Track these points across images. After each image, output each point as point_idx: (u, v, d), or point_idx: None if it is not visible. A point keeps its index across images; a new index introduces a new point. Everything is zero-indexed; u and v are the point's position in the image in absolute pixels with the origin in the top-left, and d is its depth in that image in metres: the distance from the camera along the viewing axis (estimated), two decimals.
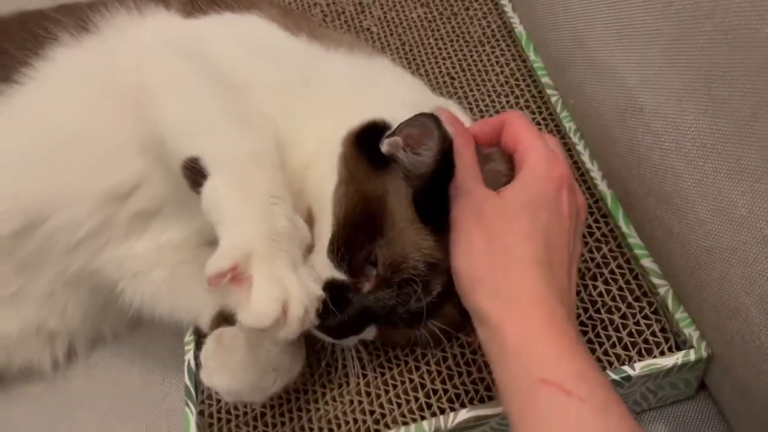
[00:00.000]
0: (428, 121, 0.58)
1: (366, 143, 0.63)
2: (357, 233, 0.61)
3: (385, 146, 0.61)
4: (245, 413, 0.73)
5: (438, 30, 1.00)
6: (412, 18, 1.03)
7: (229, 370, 0.63)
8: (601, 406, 0.46)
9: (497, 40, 0.97)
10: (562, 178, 0.58)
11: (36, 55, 0.72)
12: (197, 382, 0.74)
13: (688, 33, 0.59)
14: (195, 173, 0.57)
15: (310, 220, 0.65)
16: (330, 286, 0.61)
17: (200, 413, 0.73)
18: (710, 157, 0.58)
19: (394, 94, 0.71)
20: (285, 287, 0.51)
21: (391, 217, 0.60)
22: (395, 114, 0.63)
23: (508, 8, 0.98)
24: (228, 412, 0.74)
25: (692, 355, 0.65)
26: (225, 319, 0.69)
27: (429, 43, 0.99)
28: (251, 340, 0.63)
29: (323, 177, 0.64)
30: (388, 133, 0.62)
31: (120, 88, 0.68)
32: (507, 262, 0.53)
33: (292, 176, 0.65)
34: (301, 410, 0.72)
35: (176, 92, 0.64)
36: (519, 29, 0.95)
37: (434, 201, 0.58)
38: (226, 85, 0.65)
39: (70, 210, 0.69)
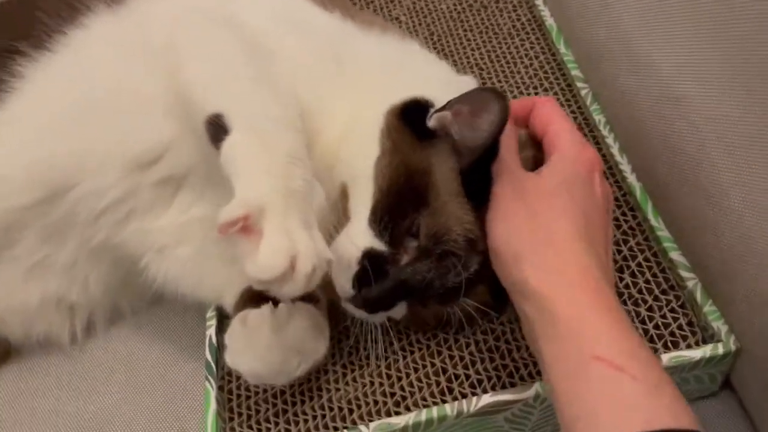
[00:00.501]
0: (488, 94, 0.58)
1: (410, 118, 0.63)
2: (401, 202, 0.60)
3: (433, 120, 0.61)
4: (265, 390, 0.72)
5: (467, 21, 1.00)
6: (442, 9, 1.03)
7: (253, 353, 0.63)
8: (654, 386, 0.45)
9: (527, 33, 0.96)
10: (593, 161, 0.60)
11: (70, 24, 0.72)
12: (218, 358, 0.74)
13: (733, 17, 0.58)
14: (217, 129, 0.56)
15: (344, 195, 0.64)
16: (368, 256, 0.60)
17: (220, 389, 0.73)
18: (753, 147, 0.58)
19: (428, 74, 0.72)
20: (295, 242, 0.50)
21: (436, 189, 0.60)
22: (433, 93, 0.64)
23: (539, 1, 0.97)
24: (248, 389, 0.73)
25: (720, 349, 0.65)
26: (250, 299, 0.69)
27: (458, 34, 0.99)
28: (276, 323, 0.63)
29: (361, 150, 0.63)
30: (437, 108, 0.62)
31: (151, 49, 0.67)
32: (550, 236, 0.53)
33: (322, 152, 0.65)
34: (321, 390, 0.71)
35: (205, 51, 0.64)
36: (549, 22, 0.95)
37: (478, 177, 0.59)
38: (256, 53, 0.65)
39: (95, 178, 0.68)
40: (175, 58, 0.64)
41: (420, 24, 1.02)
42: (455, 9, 1.02)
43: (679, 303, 0.70)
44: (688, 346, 0.67)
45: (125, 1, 0.73)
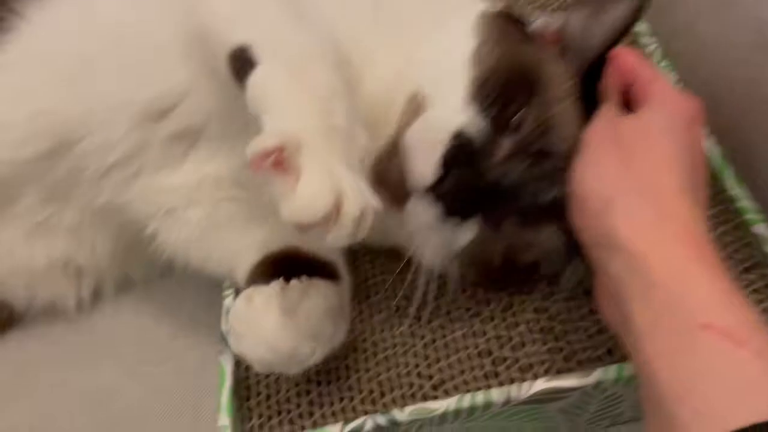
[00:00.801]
0: None
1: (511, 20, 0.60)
2: (507, 83, 0.54)
3: (537, 24, 0.60)
4: None
5: None
6: None
7: (259, 337, 0.54)
8: None
9: None
10: (695, 110, 0.52)
11: None
12: None
13: None
14: (243, 63, 0.49)
15: (414, 104, 0.56)
16: (458, 138, 0.52)
17: (236, 365, 0.65)
18: None
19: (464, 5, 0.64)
20: (340, 181, 0.42)
21: (547, 83, 0.55)
22: None
23: None
24: None
25: None
26: (262, 274, 0.61)
27: None
28: (287, 303, 0.55)
29: (446, 49, 0.57)
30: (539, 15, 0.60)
31: None
32: (649, 184, 0.46)
33: (371, 96, 0.57)
34: (349, 369, 0.63)
35: None
36: None
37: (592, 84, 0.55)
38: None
39: (102, 131, 0.62)
40: None
41: None
42: None
43: (765, 283, 0.61)
44: None
45: None
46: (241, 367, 0.66)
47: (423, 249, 0.55)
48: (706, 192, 0.51)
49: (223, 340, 0.65)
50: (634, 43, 0.80)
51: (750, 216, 0.64)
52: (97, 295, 0.77)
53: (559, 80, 0.56)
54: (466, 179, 0.51)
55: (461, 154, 0.51)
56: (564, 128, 0.54)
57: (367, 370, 0.63)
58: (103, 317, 0.78)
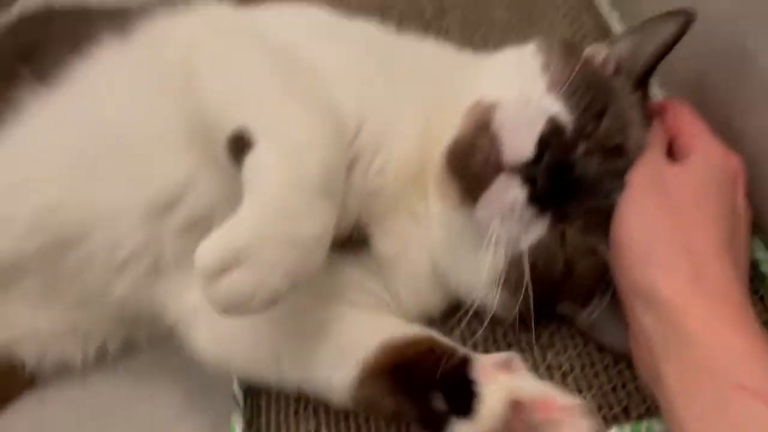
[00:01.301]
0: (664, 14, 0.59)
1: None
2: (590, 83, 0.56)
3: (586, 52, 0.62)
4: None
5: (523, 32, 0.93)
6: (495, 18, 0.96)
7: None
8: None
9: (589, 43, 0.88)
10: (738, 169, 0.55)
11: (78, 54, 0.64)
12: (246, 393, 0.66)
13: None
14: (241, 144, 0.49)
15: (481, 111, 0.56)
16: (553, 123, 0.53)
17: (248, 423, 0.64)
18: None
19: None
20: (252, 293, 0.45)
21: (618, 91, 0.58)
22: None
23: (604, 5, 0.89)
24: (278, 427, 0.64)
25: None
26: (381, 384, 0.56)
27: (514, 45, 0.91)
28: None
29: (510, 65, 0.61)
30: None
31: (164, 70, 0.60)
32: (692, 240, 0.47)
33: (402, 156, 0.58)
34: None
35: (226, 63, 0.56)
36: (616, 28, 0.86)
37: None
38: (287, 66, 0.57)
39: (107, 227, 0.60)
40: (191, 75, 0.56)
41: (473, 35, 0.94)
42: (509, 21, 0.95)
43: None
44: None
45: (134, 27, 0.65)
46: (252, 427, 0.65)
47: (495, 238, 0.53)
48: (746, 253, 0.52)
49: (233, 400, 0.65)
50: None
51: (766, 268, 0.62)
52: (102, 356, 0.76)
53: (624, 92, 0.58)
54: (559, 165, 0.51)
55: (555, 139, 0.52)
56: (635, 130, 0.56)
57: None
58: (107, 378, 0.76)
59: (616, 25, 0.87)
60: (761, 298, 0.62)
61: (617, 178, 0.53)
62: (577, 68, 0.56)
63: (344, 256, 0.60)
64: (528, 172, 0.51)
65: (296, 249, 0.46)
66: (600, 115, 0.55)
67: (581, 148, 0.53)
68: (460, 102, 0.58)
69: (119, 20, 0.66)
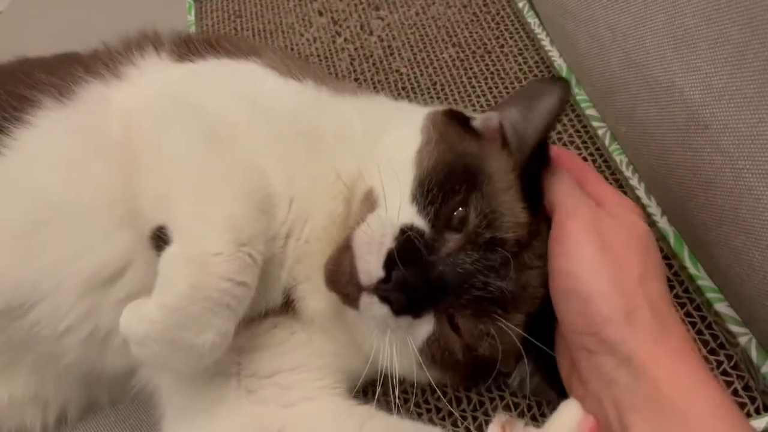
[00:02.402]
0: (546, 80, 0.61)
1: (456, 117, 0.62)
2: (450, 178, 0.55)
3: (479, 121, 0.60)
4: None
5: (471, 68, 0.94)
6: (444, 58, 0.97)
7: None
8: None
9: (535, 75, 0.90)
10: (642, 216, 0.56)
11: (17, 120, 0.62)
12: None
13: (760, 30, 0.51)
14: (162, 241, 0.52)
15: (368, 200, 0.57)
16: (405, 233, 0.52)
17: None
18: None
19: (413, 111, 0.67)
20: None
21: (488, 175, 0.56)
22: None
23: (546, 42, 0.91)
24: None
25: None
26: None
27: (462, 82, 0.93)
28: None
29: (394, 148, 0.59)
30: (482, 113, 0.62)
31: (105, 146, 0.60)
32: (648, 294, 0.49)
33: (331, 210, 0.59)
34: None
35: (159, 152, 0.57)
36: (558, 62, 0.88)
37: (533, 177, 0.56)
38: (214, 142, 0.58)
39: (51, 298, 0.59)
40: (128, 158, 0.57)
41: (422, 74, 0.96)
42: (458, 57, 0.96)
43: (732, 364, 0.60)
44: (747, 415, 0.56)
45: (76, 93, 0.64)
46: None
47: (383, 348, 0.54)
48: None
49: None
50: (586, 127, 0.82)
51: (711, 294, 0.63)
52: (62, 420, 0.74)
53: (501, 172, 0.57)
54: (411, 278, 0.51)
55: (405, 252, 0.51)
56: (511, 217, 0.54)
57: None
58: None
59: (558, 61, 0.88)
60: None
61: (494, 270, 0.52)
62: (442, 157, 0.57)
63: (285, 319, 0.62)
64: (380, 292, 0.51)
65: (190, 354, 0.50)
66: (465, 210, 0.54)
67: (445, 249, 0.53)
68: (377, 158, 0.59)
69: (61, 80, 0.65)
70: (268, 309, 0.60)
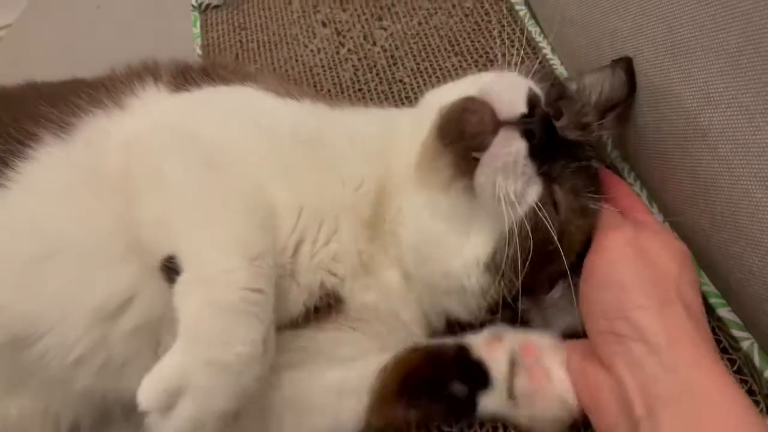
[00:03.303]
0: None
1: None
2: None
3: None
4: None
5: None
6: (446, 67, 0.98)
7: None
8: None
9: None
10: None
11: (21, 154, 0.63)
12: None
13: (754, 38, 0.51)
14: (171, 272, 0.52)
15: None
16: (532, 92, 0.55)
17: None
18: None
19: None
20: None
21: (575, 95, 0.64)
22: None
23: (548, 51, 0.92)
24: None
25: None
26: None
27: None
28: None
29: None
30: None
31: (104, 180, 0.61)
32: (681, 297, 0.51)
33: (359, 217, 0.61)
34: None
35: (159, 183, 0.58)
36: (560, 70, 0.89)
37: None
38: (212, 167, 0.59)
39: (58, 330, 0.59)
40: (129, 191, 0.58)
41: (425, 84, 0.97)
42: (460, 66, 0.97)
43: (735, 368, 0.61)
44: None
45: (75, 126, 0.64)
46: None
47: (504, 196, 0.53)
48: None
49: None
50: None
51: (714, 300, 0.63)
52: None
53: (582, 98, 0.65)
54: (549, 120, 0.54)
55: (538, 102, 0.55)
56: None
57: None
58: None
59: (560, 68, 0.89)
60: None
61: (590, 148, 0.58)
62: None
63: (323, 324, 0.62)
64: (523, 125, 0.53)
65: (226, 372, 0.48)
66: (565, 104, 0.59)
67: (561, 119, 0.58)
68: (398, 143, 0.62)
69: (62, 113, 0.65)
70: (290, 321, 0.61)
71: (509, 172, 0.53)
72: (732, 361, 0.61)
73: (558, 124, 0.56)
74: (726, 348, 0.62)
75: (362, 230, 0.61)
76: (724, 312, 0.62)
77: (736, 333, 0.60)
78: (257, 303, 0.51)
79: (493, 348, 0.59)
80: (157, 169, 0.58)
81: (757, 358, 0.58)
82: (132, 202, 0.57)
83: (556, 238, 0.54)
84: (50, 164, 0.62)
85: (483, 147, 0.53)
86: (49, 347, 0.60)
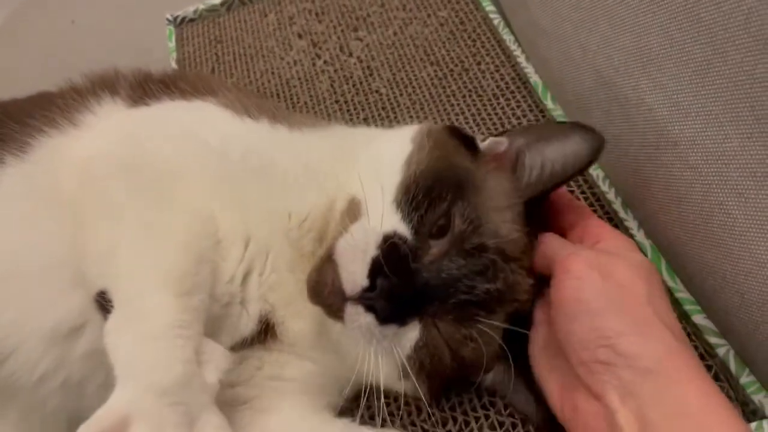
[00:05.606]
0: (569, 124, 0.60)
1: (456, 134, 0.62)
2: (439, 184, 0.55)
3: (487, 142, 0.61)
4: None
5: (449, 86, 0.95)
6: (422, 77, 0.98)
7: None
8: None
9: (512, 92, 0.91)
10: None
11: None
12: None
13: (722, 49, 0.52)
14: (104, 305, 0.52)
15: (351, 209, 0.57)
16: (388, 241, 0.52)
17: None
18: (763, 186, 0.50)
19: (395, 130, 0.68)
20: None
21: (480, 189, 0.56)
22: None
23: (522, 59, 0.92)
24: None
25: (766, 427, 0.54)
26: None
27: (441, 100, 0.94)
28: None
29: (380, 157, 0.60)
30: (495, 134, 0.62)
31: (58, 202, 0.60)
32: (656, 312, 0.49)
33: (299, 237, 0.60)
34: None
35: (101, 219, 0.57)
36: (534, 79, 0.89)
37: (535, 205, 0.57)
38: (159, 192, 0.58)
39: (21, 350, 0.60)
40: (78, 220, 0.58)
41: (401, 94, 0.97)
42: (436, 76, 0.97)
43: (711, 374, 0.60)
44: None
45: (32, 146, 0.64)
46: None
47: (369, 360, 0.54)
48: None
49: None
50: None
51: (689, 306, 0.64)
52: None
53: (498, 192, 0.58)
54: (395, 286, 0.51)
55: (389, 260, 0.52)
56: (500, 230, 0.55)
57: None
58: None
59: (534, 77, 0.89)
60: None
61: (479, 274, 0.53)
62: (432, 163, 0.57)
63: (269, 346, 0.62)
64: (365, 301, 0.52)
65: (169, 393, 0.47)
66: (449, 217, 0.54)
67: (429, 255, 0.54)
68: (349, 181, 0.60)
69: (20, 134, 0.65)
70: (243, 342, 0.61)
71: (368, 338, 0.53)
72: (708, 367, 0.61)
73: (424, 260, 0.53)
74: (702, 355, 0.62)
75: (300, 261, 0.61)
76: (700, 319, 0.63)
77: (712, 339, 0.61)
78: (183, 335, 0.50)
79: None
80: (101, 200, 0.58)
81: (732, 365, 0.59)
82: (79, 231, 0.57)
83: (449, 365, 0.55)
84: (9, 185, 0.62)
85: (340, 314, 0.53)
86: (15, 367, 0.60)
